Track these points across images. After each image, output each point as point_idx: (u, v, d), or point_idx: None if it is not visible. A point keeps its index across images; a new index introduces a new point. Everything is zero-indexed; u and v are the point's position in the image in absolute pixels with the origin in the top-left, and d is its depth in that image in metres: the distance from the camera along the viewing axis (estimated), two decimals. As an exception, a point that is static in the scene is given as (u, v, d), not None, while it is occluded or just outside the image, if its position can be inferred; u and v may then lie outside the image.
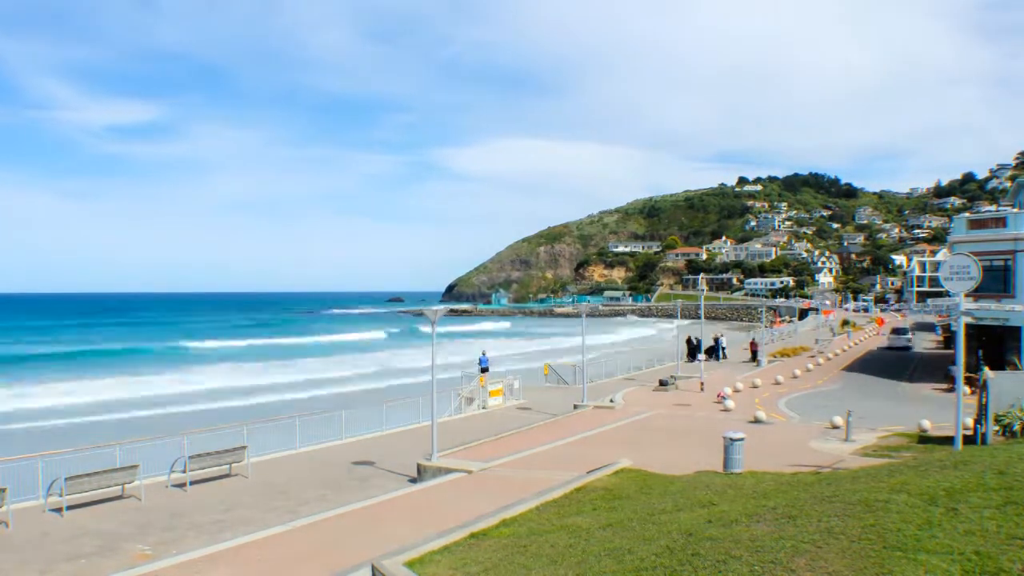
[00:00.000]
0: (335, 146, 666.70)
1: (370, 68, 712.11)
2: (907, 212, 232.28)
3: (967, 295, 17.33)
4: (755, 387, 35.01)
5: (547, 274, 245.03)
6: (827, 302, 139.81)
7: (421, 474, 18.54)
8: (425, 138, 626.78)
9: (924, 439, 20.91)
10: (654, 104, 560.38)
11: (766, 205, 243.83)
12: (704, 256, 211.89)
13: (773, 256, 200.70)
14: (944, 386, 33.74)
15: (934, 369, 40.68)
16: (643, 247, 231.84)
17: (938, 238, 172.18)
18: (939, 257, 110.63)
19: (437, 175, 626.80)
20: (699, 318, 54.91)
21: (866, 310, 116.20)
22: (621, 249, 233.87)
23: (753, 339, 51.06)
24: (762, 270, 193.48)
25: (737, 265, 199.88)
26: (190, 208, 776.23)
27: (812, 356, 49.25)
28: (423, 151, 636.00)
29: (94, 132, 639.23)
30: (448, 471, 17.99)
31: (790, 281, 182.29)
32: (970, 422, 19.17)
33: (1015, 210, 36.21)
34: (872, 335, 69.54)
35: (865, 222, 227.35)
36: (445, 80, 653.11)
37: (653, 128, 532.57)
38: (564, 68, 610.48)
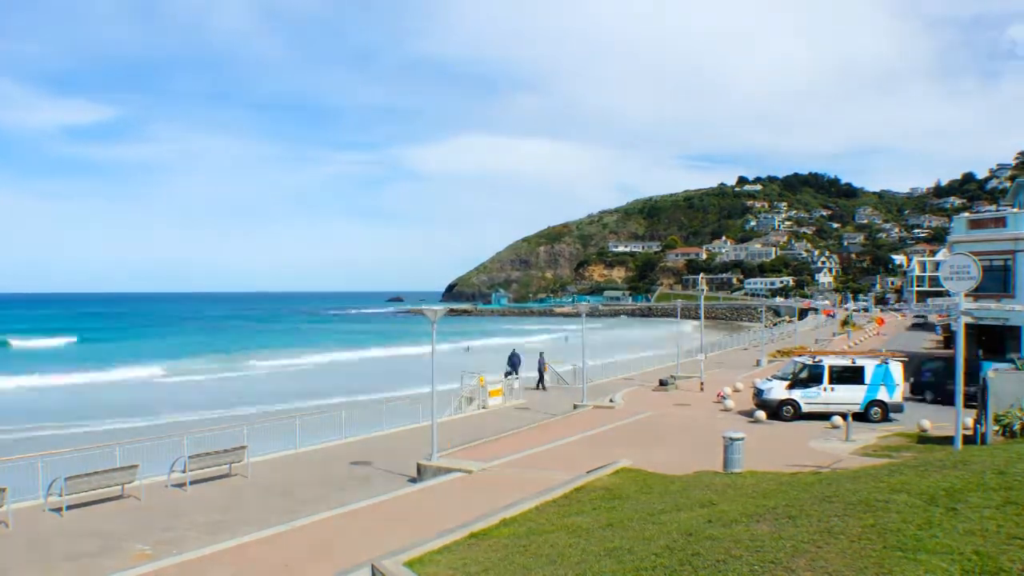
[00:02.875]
0: (317, 147, 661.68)
1: (334, 71, 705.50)
2: (907, 212, 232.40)
3: (967, 295, 17.33)
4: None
5: (547, 274, 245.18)
6: (826, 302, 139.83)
7: (421, 474, 18.54)
8: (413, 137, 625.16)
9: (924, 439, 20.93)
10: (652, 105, 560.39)
11: (766, 205, 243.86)
12: (704, 256, 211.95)
13: (773, 256, 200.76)
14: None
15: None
16: (643, 247, 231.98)
17: (938, 238, 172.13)
18: (939, 257, 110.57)
19: (434, 174, 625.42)
20: (699, 318, 54.88)
21: (866, 310, 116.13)
22: (621, 249, 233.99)
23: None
24: (762, 270, 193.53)
25: (737, 265, 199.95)
26: (176, 209, 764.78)
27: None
28: (414, 150, 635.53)
29: (48, 133, 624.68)
30: (448, 471, 17.99)
31: (790, 281, 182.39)
32: (970, 422, 19.19)
33: (1015, 210, 36.21)
34: (872, 335, 69.58)
35: (865, 222, 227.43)
36: (412, 80, 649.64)
37: (651, 129, 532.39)
38: (544, 68, 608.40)
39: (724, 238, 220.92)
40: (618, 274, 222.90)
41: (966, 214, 41.65)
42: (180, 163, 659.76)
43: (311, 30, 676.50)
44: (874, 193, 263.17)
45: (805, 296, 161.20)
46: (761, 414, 25.48)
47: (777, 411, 25.62)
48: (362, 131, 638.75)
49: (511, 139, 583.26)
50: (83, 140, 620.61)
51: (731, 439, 15.48)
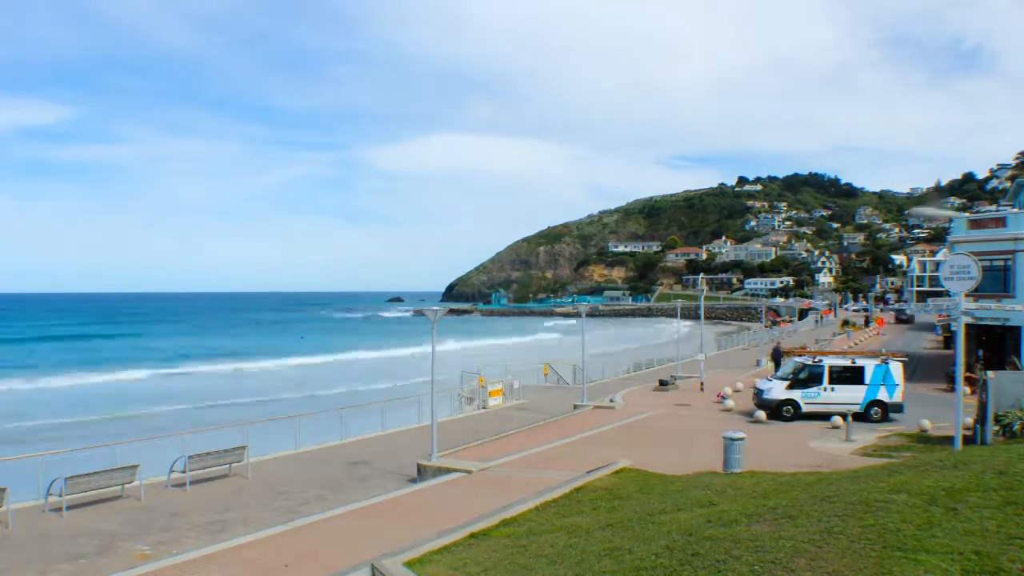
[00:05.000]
0: (277, 147, 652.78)
1: (287, 72, 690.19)
2: (907, 212, 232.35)
3: (967, 295, 17.33)
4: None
5: (547, 274, 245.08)
6: (826, 302, 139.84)
7: (421, 474, 18.54)
8: (377, 137, 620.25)
9: (924, 439, 20.92)
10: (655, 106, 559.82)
11: (766, 205, 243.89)
12: (704, 256, 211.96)
13: (773, 256, 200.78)
14: (944, 386, 33.72)
15: (934, 369, 40.68)
16: (643, 247, 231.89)
17: (938, 238, 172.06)
18: (939, 257, 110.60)
19: (403, 173, 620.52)
20: (699, 318, 54.91)
21: (866, 310, 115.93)
22: (621, 249, 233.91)
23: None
24: (762, 270, 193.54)
25: (737, 265, 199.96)
26: (153, 210, 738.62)
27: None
28: (379, 150, 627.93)
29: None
30: (448, 471, 17.99)
31: (790, 281, 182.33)
32: (970, 422, 19.18)
33: (1015, 210, 36.21)
34: (872, 335, 69.56)
35: (865, 222, 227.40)
36: (369, 81, 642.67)
37: (656, 132, 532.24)
38: (510, 67, 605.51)
39: (724, 238, 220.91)
40: (618, 274, 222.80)
41: (966, 214, 41.63)
42: (146, 164, 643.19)
43: (247, 30, 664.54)
44: (874, 193, 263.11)
45: (805, 296, 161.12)
46: (761, 414, 25.47)
47: (777, 411, 25.61)
48: (325, 132, 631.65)
49: (478, 138, 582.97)
50: (43, 141, 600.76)
51: (731, 439, 15.48)
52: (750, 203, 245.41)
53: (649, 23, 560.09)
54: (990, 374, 18.32)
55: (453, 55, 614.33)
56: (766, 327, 69.87)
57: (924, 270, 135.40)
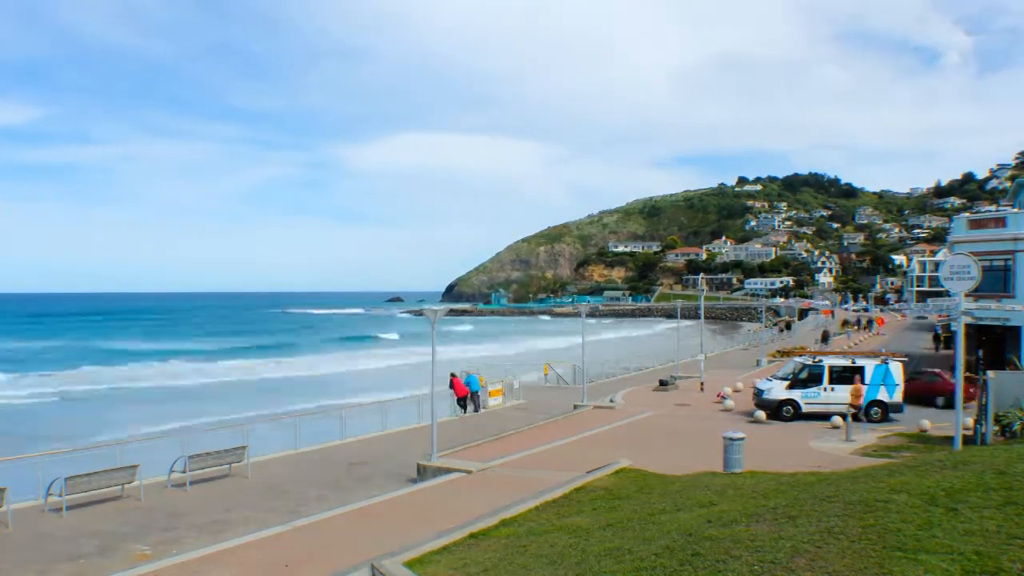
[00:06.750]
0: (247, 147, 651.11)
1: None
2: (907, 212, 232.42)
3: (967, 295, 17.33)
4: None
5: (547, 274, 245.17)
6: (826, 302, 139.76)
7: (421, 474, 18.54)
8: (347, 136, 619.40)
9: (924, 439, 20.93)
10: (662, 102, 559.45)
11: (766, 205, 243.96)
12: (704, 256, 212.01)
13: (773, 256, 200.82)
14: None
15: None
16: (643, 247, 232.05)
17: (938, 238, 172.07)
18: (939, 257, 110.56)
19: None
20: (699, 318, 54.91)
21: (866, 310, 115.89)
22: (621, 249, 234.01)
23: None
24: (762, 270, 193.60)
25: (737, 265, 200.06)
26: (136, 211, 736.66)
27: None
28: (350, 150, 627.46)
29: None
30: (448, 471, 17.99)
31: (790, 281, 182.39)
32: (970, 422, 19.19)
33: (1015, 210, 36.20)
34: (873, 335, 69.55)
35: (865, 222, 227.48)
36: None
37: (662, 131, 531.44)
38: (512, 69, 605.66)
39: (724, 238, 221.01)
40: (618, 274, 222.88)
41: (966, 214, 41.66)
42: (121, 166, 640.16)
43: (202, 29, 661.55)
44: (874, 193, 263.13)
45: (805, 296, 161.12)
46: (761, 414, 25.48)
47: (777, 411, 25.62)
48: (300, 133, 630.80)
49: (469, 138, 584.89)
50: (12, 142, 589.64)
51: (731, 439, 15.48)
52: (750, 203, 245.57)
53: (630, 23, 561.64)
54: (990, 374, 18.33)
55: (437, 55, 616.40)
56: (767, 327, 69.90)
57: (924, 270, 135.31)
